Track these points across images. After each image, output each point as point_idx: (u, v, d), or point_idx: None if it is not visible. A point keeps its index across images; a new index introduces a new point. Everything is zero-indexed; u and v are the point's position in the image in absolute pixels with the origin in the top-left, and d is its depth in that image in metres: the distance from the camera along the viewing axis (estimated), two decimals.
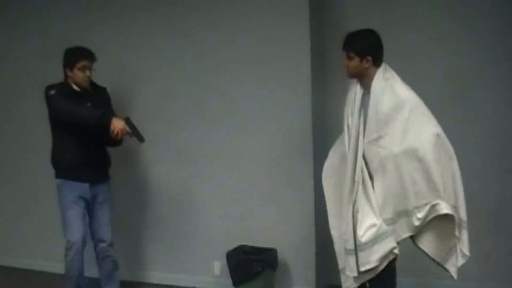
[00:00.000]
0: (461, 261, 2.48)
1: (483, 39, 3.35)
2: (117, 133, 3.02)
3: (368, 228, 2.37)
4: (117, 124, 3.02)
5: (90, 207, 3.30)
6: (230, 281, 3.53)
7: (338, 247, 2.66)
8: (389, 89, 2.40)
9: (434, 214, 2.37)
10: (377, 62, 2.47)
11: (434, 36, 3.43)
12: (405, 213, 2.38)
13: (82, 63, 3.12)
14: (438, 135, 2.37)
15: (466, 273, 3.32)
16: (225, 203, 3.76)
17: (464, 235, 2.47)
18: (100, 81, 3.52)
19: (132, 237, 4.07)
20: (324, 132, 3.68)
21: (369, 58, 2.44)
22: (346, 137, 2.56)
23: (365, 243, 2.37)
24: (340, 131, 3.42)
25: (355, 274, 2.45)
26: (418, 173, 2.33)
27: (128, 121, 3.10)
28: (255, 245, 3.59)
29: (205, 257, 3.83)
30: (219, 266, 3.76)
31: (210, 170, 3.80)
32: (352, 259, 2.44)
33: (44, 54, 4.12)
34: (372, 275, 2.43)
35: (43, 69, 3.94)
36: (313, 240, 3.52)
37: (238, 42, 3.65)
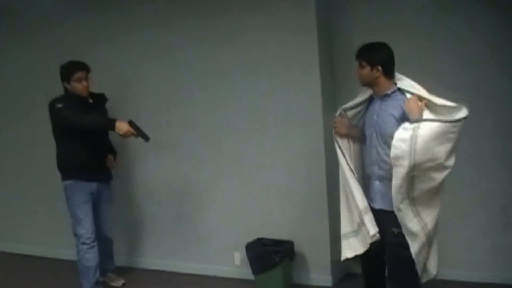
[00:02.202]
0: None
1: (483, 56, 3.40)
2: (123, 134, 3.23)
3: None
4: (122, 127, 3.22)
5: (95, 203, 3.56)
6: (249, 270, 3.70)
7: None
8: None
9: None
10: (387, 73, 2.56)
11: (438, 53, 3.49)
12: None
13: (77, 75, 3.33)
14: None
15: (478, 264, 3.48)
16: (245, 200, 3.91)
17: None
18: (119, 90, 3.72)
19: (158, 230, 4.26)
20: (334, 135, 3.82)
21: (379, 68, 2.54)
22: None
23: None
24: None
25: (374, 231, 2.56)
26: None
27: (131, 123, 3.29)
28: (273, 237, 3.74)
29: (226, 248, 3.98)
30: (239, 257, 3.91)
31: (231, 170, 3.94)
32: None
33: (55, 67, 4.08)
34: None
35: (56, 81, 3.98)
36: (327, 233, 3.65)
37: (252, 56, 3.78)
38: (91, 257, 3.44)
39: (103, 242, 3.68)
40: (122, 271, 4.12)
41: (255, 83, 3.80)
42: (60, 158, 3.47)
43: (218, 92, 3.94)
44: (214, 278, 3.99)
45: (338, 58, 3.76)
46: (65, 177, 3.47)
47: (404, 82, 2.56)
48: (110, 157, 3.71)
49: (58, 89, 3.57)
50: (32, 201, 4.70)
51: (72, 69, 3.33)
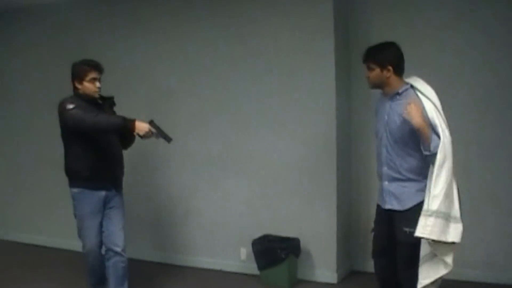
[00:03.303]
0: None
1: (505, 51, 3.42)
2: (144, 135, 2.97)
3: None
4: (142, 127, 2.95)
5: (104, 212, 3.21)
6: (254, 265, 3.78)
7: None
8: None
9: None
10: (398, 71, 2.55)
11: (457, 50, 3.51)
12: None
13: (92, 75, 3.09)
14: None
15: (493, 265, 3.52)
16: (253, 196, 3.97)
17: None
18: (134, 89, 3.74)
19: (168, 225, 4.33)
20: (347, 134, 3.88)
21: (390, 68, 2.50)
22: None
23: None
24: (362, 133, 3.55)
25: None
26: None
27: (152, 123, 3.05)
28: (280, 234, 3.80)
29: (233, 244, 4.05)
30: (245, 252, 3.98)
31: (241, 167, 4.01)
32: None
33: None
34: None
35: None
36: (334, 231, 3.70)
37: (266, 56, 3.83)
38: (94, 270, 3.24)
39: (113, 259, 3.22)
40: (130, 263, 4.18)
41: (267, 82, 3.85)
42: (68, 163, 3.17)
43: (230, 90, 3.99)
44: (220, 272, 4.06)
45: (355, 58, 3.75)
46: (72, 184, 3.16)
47: (419, 83, 2.55)
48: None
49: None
50: (49, 193, 4.75)
51: (86, 69, 3.09)
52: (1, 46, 5.03)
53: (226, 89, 4.01)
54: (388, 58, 2.52)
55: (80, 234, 3.22)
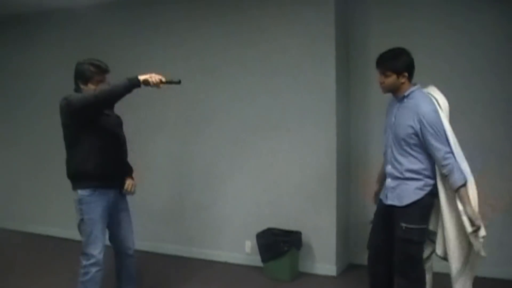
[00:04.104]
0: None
1: (496, 59, 3.57)
2: (155, 84, 2.73)
3: None
4: (151, 78, 2.71)
5: (113, 215, 2.99)
6: (258, 258, 3.92)
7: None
8: None
9: None
10: (411, 77, 2.61)
11: (452, 57, 3.65)
12: None
13: (98, 78, 2.86)
14: None
15: (483, 260, 3.61)
16: (259, 192, 4.12)
17: None
18: (150, 91, 3.84)
19: (176, 218, 4.49)
20: (347, 134, 4.05)
21: (406, 74, 2.57)
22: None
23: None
24: (360, 133, 3.66)
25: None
26: None
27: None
28: (283, 228, 3.95)
29: (238, 237, 4.20)
30: (249, 245, 4.12)
31: (247, 164, 4.16)
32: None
33: None
34: None
35: None
36: (334, 226, 3.85)
37: (273, 60, 4.01)
38: (99, 281, 2.87)
39: (126, 262, 3.10)
40: (141, 254, 4.35)
41: (273, 84, 4.02)
42: (73, 164, 2.87)
43: (239, 91, 4.17)
44: (226, 264, 4.21)
45: (354, 62, 3.99)
46: (79, 186, 2.84)
47: (435, 92, 2.65)
48: (129, 180, 3.10)
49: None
50: (63, 186, 4.88)
51: (94, 72, 2.85)
52: (24, 47, 5.23)
53: (236, 91, 4.19)
54: (404, 65, 2.57)
55: (88, 242, 2.83)
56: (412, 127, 2.54)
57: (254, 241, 3.96)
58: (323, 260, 3.92)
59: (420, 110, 2.52)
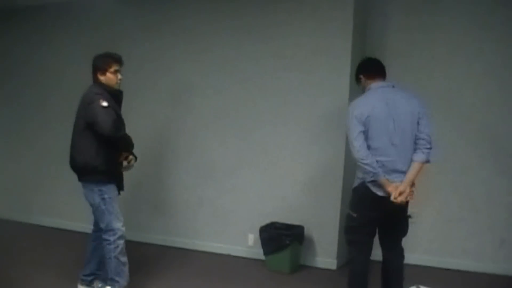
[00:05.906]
0: None
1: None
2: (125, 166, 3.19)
3: None
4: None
5: None
6: (260, 251, 3.99)
7: None
8: None
9: None
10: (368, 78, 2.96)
11: (472, 53, 3.68)
12: None
13: (114, 67, 3.14)
14: None
15: (483, 255, 3.71)
16: (264, 187, 4.17)
17: None
18: (161, 85, 4.04)
19: (181, 211, 4.54)
20: None
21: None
22: None
23: None
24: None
25: None
26: None
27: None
28: (286, 222, 4.00)
29: (241, 230, 4.25)
30: (252, 238, 4.18)
31: (255, 159, 4.21)
32: None
33: None
34: None
35: None
36: (337, 220, 3.89)
37: (286, 56, 4.03)
38: (124, 252, 3.14)
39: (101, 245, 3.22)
40: (145, 246, 4.44)
41: (286, 80, 4.05)
42: (85, 157, 3.06)
43: (250, 87, 4.20)
44: (228, 256, 4.28)
45: None
46: (92, 179, 3.08)
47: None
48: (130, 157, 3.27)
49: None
50: (69, 178, 4.90)
51: (110, 61, 3.16)
52: (44, 40, 5.18)
53: (246, 86, 4.22)
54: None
55: (111, 219, 3.08)
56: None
57: (257, 234, 4.02)
58: (325, 254, 3.98)
59: None
